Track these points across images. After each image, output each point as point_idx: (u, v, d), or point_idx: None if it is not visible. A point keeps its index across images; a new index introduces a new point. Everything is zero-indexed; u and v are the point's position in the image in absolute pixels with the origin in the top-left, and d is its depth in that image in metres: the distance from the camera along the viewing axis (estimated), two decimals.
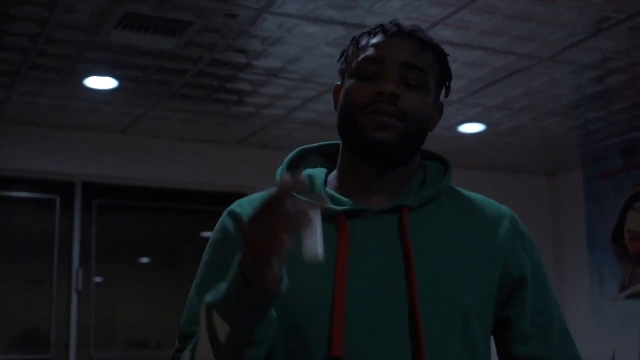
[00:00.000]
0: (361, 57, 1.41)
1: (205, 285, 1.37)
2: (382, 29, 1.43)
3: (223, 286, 1.22)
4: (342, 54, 1.50)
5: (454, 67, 4.79)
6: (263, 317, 1.21)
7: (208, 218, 5.79)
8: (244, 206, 1.45)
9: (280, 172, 1.48)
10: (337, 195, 1.41)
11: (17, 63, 4.21)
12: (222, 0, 3.54)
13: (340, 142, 1.50)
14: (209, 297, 1.23)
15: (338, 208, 1.38)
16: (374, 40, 1.42)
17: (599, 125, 5.53)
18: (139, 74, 4.42)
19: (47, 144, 5.30)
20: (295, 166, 1.50)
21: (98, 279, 5.51)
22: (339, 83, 1.51)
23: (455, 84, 4.53)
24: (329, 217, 1.34)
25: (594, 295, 6.44)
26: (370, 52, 1.40)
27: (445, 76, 1.48)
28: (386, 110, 1.36)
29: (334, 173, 1.48)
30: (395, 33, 1.41)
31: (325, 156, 1.54)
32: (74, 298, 5.39)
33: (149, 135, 5.55)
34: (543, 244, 6.72)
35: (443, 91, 1.49)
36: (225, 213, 1.47)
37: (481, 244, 1.42)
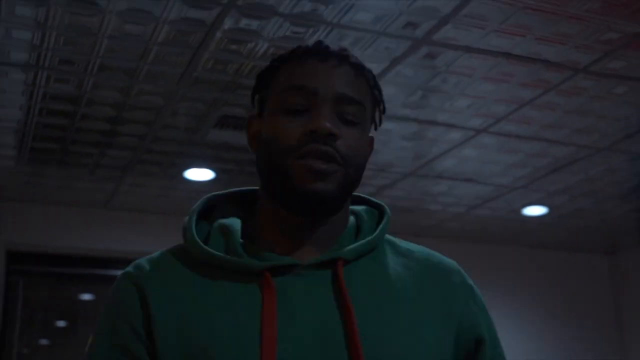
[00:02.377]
0: (287, 85, 1.09)
1: None
2: (308, 51, 1.10)
3: None
4: (259, 78, 1.16)
5: (518, 157, 4.78)
6: None
7: None
8: (143, 266, 1.12)
9: (188, 221, 1.14)
10: (258, 248, 1.09)
11: (126, 158, 4.34)
12: None
13: (253, 188, 1.20)
14: None
15: (260, 263, 1.05)
16: (301, 67, 1.09)
17: None
18: (233, 167, 4.50)
19: (151, 228, 5.40)
20: (205, 217, 1.16)
21: None
22: (251, 118, 1.17)
23: (519, 172, 4.53)
24: (248, 275, 1.06)
25: None
26: (298, 80, 1.08)
27: (377, 104, 1.16)
28: (323, 152, 1.04)
29: (252, 223, 1.14)
30: (325, 58, 1.09)
31: (235, 204, 1.18)
32: None
33: None
34: (606, 320, 6.50)
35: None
36: (120, 277, 1.13)
37: (430, 301, 1.11)
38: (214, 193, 1.19)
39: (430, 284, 1.14)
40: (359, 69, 1.12)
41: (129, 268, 1.13)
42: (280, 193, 1.08)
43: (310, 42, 1.45)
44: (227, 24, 2.88)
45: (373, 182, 4.76)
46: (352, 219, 1.16)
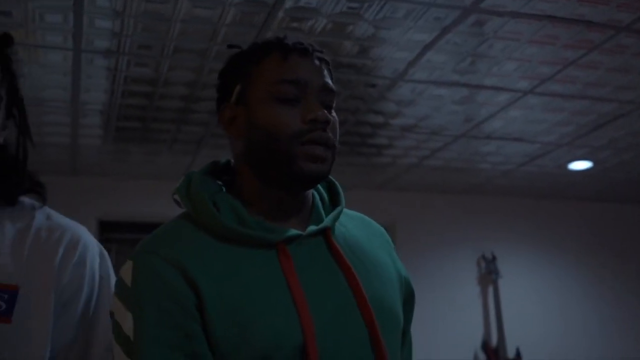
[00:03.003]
0: (279, 78, 1.10)
1: (155, 356, 0.98)
2: (287, 47, 1.12)
3: None
4: (232, 68, 1.17)
5: (563, 115, 4.65)
6: None
7: None
8: (166, 240, 1.07)
9: (200, 197, 1.10)
10: (264, 222, 1.10)
11: (200, 133, 4.38)
12: (364, 73, 3.56)
13: (220, 160, 1.21)
14: None
15: (275, 236, 1.08)
16: (286, 61, 1.11)
17: None
18: None
19: None
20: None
21: None
22: (227, 103, 1.16)
23: (564, 129, 4.42)
24: (264, 246, 1.07)
25: None
26: (289, 74, 1.10)
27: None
28: (324, 139, 1.08)
29: (235, 197, 1.13)
30: (304, 53, 1.12)
31: (213, 180, 1.18)
32: None
33: None
34: None
35: None
36: (149, 255, 1.04)
37: (384, 258, 1.21)
38: (192, 171, 1.17)
39: (380, 244, 1.25)
40: (328, 63, 1.16)
41: (151, 247, 1.05)
42: (278, 174, 1.10)
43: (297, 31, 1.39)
44: (288, 3, 2.86)
45: (427, 145, 4.71)
46: (313, 191, 1.20)
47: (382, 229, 1.30)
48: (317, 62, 1.14)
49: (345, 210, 1.24)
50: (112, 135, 4.35)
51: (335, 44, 3.23)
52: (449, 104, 4.00)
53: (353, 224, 1.24)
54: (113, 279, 1.23)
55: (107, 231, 5.31)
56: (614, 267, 6.22)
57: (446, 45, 3.28)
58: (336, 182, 1.24)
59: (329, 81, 1.14)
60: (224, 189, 1.17)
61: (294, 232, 1.09)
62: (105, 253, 1.28)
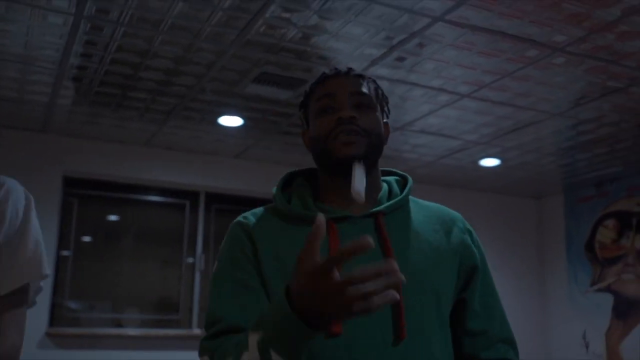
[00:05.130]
0: (318, 97, 1.27)
1: (228, 281, 1.21)
2: (326, 75, 1.29)
3: (270, 318, 0.99)
4: (301, 105, 1.35)
5: (489, 118, 4.74)
6: (307, 348, 1.00)
7: None
8: (249, 217, 1.28)
9: (276, 190, 1.31)
10: (324, 206, 1.25)
11: (173, 104, 4.22)
12: (332, 66, 3.52)
13: (314, 168, 1.36)
14: (259, 329, 1.00)
15: (326, 215, 1.20)
16: (323, 84, 1.28)
17: (582, 164, 5.46)
18: (259, 116, 4.41)
19: (182, 164, 5.31)
20: (287, 186, 1.35)
21: (213, 261, 5.48)
22: (304, 129, 1.35)
23: (486, 130, 4.53)
24: (313, 222, 1.18)
25: (571, 289, 6.32)
26: (323, 92, 1.26)
27: (383, 100, 1.33)
28: (348, 129, 1.21)
29: (316, 190, 1.31)
30: (338, 74, 1.28)
31: (306, 177, 1.36)
32: (197, 275, 5.37)
33: (254, 159, 5.53)
34: (529, 252, 6.64)
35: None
36: (234, 224, 1.28)
37: (442, 240, 1.27)
38: (293, 170, 1.36)
39: (442, 229, 1.29)
40: (362, 77, 1.29)
41: (240, 219, 1.29)
42: (329, 165, 1.25)
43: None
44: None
45: None
46: (385, 186, 1.32)
47: (453, 217, 1.34)
48: (348, 77, 1.28)
49: (420, 201, 1.35)
50: (90, 98, 4.12)
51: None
52: (396, 99, 4.02)
53: (419, 211, 1.31)
54: (33, 205, 1.36)
55: (71, 187, 5.05)
56: (511, 253, 6.47)
57: (397, 53, 3.29)
58: (408, 178, 1.35)
59: (359, 87, 1.27)
60: (309, 186, 1.33)
61: (344, 213, 1.22)
62: (30, 196, 1.38)
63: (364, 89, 1.27)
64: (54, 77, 3.78)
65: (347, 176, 1.22)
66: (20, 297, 1.31)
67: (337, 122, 1.22)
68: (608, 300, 5.91)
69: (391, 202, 1.27)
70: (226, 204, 5.57)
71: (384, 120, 1.31)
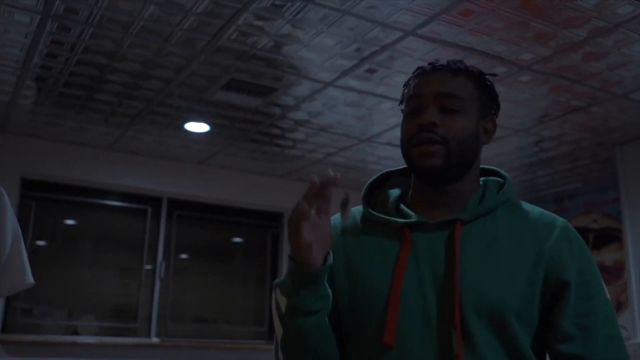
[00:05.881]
0: (407, 98, 1.23)
1: None
2: (419, 71, 1.24)
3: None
4: (401, 99, 1.31)
5: None
6: (312, 291, 1.08)
7: (252, 228, 5.76)
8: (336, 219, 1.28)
9: (365, 191, 1.28)
10: (406, 209, 1.21)
11: (139, 108, 4.16)
12: (302, 76, 3.53)
13: None
14: (276, 280, 1.14)
15: (400, 221, 1.18)
16: (414, 82, 1.22)
17: (543, 180, 5.58)
18: (226, 122, 4.38)
19: (145, 169, 5.23)
20: (379, 186, 1.30)
21: (174, 269, 5.41)
22: None
23: None
24: (395, 228, 1.19)
25: None
26: (411, 92, 1.21)
27: (484, 96, 1.22)
28: (427, 139, 1.15)
29: (409, 192, 1.27)
30: (429, 71, 1.21)
31: (406, 176, 1.30)
32: (157, 282, 5.28)
33: (219, 166, 5.47)
34: None
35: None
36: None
37: (527, 252, 1.14)
38: (390, 169, 1.32)
39: (533, 238, 1.16)
40: (456, 71, 1.20)
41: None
42: (411, 170, 1.22)
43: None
44: (262, 3, 2.77)
45: (336, 144, 4.74)
46: (480, 187, 1.23)
47: (554, 224, 1.18)
48: (440, 75, 1.20)
49: (521, 206, 1.22)
50: (53, 99, 4.03)
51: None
52: (364, 110, 4.05)
53: (512, 218, 1.19)
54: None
55: (29, 189, 4.92)
56: None
57: (368, 65, 3.32)
58: (507, 178, 1.24)
59: (446, 88, 1.19)
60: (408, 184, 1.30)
61: (421, 219, 1.18)
62: (2, 190, 1.47)
63: (452, 90, 1.18)
64: (16, 77, 3.69)
65: (430, 184, 1.20)
66: None
67: (416, 128, 1.17)
68: None
69: (476, 208, 1.18)
70: (188, 211, 5.51)
71: (488, 117, 1.22)
